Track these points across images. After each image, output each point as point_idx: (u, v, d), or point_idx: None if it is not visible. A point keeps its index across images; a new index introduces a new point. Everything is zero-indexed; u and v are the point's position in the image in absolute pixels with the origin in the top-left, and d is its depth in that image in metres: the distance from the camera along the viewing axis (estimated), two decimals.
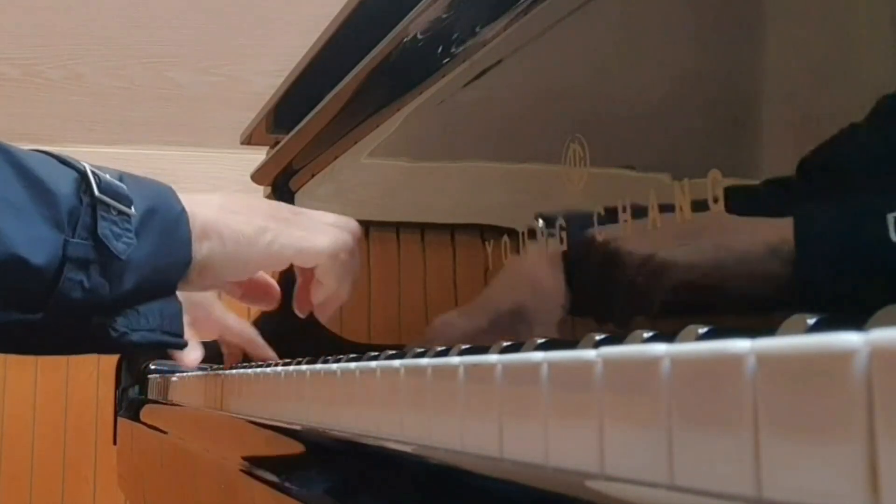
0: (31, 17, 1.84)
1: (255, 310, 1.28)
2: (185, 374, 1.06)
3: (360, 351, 0.74)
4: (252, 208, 0.74)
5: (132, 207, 0.64)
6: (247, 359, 1.08)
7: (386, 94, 0.86)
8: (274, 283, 0.86)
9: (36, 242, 0.59)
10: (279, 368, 0.65)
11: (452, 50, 0.73)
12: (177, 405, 0.99)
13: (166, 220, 0.66)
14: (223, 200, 0.72)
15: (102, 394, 1.72)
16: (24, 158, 0.61)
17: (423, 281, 0.80)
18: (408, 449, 0.39)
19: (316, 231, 0.76)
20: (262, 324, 1.13)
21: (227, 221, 0.71)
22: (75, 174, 0.63)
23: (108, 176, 0.64)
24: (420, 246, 0.81)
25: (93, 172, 0.63)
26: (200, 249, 0.68)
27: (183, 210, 0.68)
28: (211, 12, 1.89)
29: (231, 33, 1.90)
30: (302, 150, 1.11)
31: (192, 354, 0.99)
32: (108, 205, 0.62)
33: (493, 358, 0.33)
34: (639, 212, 0.49)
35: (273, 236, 0.73)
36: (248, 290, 0.84)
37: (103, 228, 0.61)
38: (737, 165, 0.43)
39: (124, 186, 0.65)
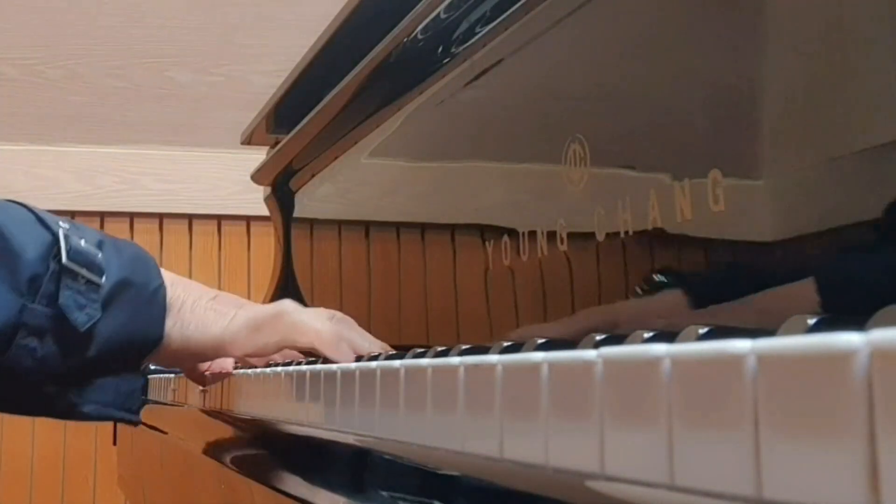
0: (31, 17, 1.84)
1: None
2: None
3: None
4: (223, 299, 0.71)
5: (104, 277, 0.62)
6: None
7: (386, 94, 0.86)
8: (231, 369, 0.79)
9: None
10: (279, 369, 0.65)
11: (452, 50, 0.73)
12: (177, 405, 0.99)
13: (140, 294, 0.64)
14: (199, 286, 0.70)
15: None
16: None
17: (423, 281, 0.80)
18: (408, 449, 0.39)
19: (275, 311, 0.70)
20: None
21: (191, 303, 0.68)
22: (48, 237, 0.61)
23: (83, 242, 0.62)
24: (420, 246, 0.81)
25: (66, 237, 0.61)
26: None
27: (161, 285, 0.65)
28: (211, 12, 1.89)
29: (231, 33, 1.90)
30: (302, 150, 1.11)
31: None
32: (75, 273, 0.60)
33: (493, 358, 0.33)
34: (639, 212, 0.49)
35: (232, 318, 0.69)
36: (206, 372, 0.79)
37: (65, 298, 0.60)
38: (737, 165, 0.43)
39: (99, 254, 0.63)
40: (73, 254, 0.61)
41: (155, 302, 0.65)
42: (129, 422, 0.68)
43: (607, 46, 0.55)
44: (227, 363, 0.77)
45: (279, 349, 0.71)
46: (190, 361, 0.73)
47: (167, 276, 0.68)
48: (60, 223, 0.63)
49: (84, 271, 0.61)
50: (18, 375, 0.60)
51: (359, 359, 0.64)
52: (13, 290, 0.59)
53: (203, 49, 1.90)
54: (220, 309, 0.70)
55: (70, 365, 0.61)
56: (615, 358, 0.26)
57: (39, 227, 0.62)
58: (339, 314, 0.71)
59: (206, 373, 0.76)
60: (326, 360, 0.65)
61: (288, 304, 0.70)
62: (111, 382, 0.65)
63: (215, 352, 0.70)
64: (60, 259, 0.60)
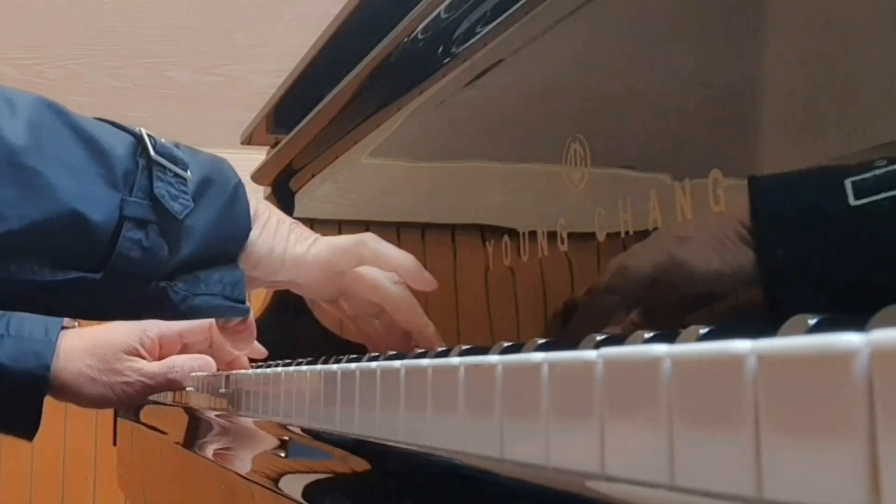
0: (31, 17, 1.84)
1: (260, 306, 1.28)
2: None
3: (360, 351, 0.74)
4: (307, 229, 0.74)
5: (188, 171, 0.64)
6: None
7: (386, 94, 0.86)
8: (254, 330, 0.80)
9: (93, 200, 0.60)
10: (279, 369, 0.65)
11: (452, 50, 0.73)
12: (177, 405, 0.99)
13: (224, 189, 0.66)
14: (280, 212, 0.73)
15: None
16: (80, 120, 0.62)
17: None
18: (408, 449, 0.39)
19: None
20: (263, 324, 1.13)
21: (276, 216, 0.71)
22: (131, 138, 0.63)
23: (163, 140, 0.65)
24: (420, 246, 0.81)
25: (148, 136, 0.64)
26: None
27: (239, 182, 0.68)
28: (211, 12, 1.89)
29: (231, 33, 1.90)
30: (302, 150, 1.11)
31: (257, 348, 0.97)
32: (163, 166, 0.63)
33: (493, 358, 0.33)
34: (639, 212, 0.49)
35: (314, 241, 0.72)
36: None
37: (159, 189, 0.62)
38: (737, 165, 0.43)
39: (180, 152, 0.65)
40: (160, 148, 0.63)
41: (237, 197, 0.67)
42: (239, 311, 0.69)
43: (607, 46, 0.55)
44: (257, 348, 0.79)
45: (356, 281, 0.73)
46: (267, 277, 0.73)
47: (252, 192, 0.70)
48: (136, 127, 0.65)
49: (171, 165, 0.63)
50: (130, 270, 0.61)
51: (359, 359, 0.64)
52: (111, 186, 0.61)
53: (203, 49, 1.90)
54: (303, 232, 0.73)
55: (174, 257, 0.63)
56: (615, 358, 0.26)
57: (119, 130, 0.64)
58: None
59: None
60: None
61: (368, 235, 0.73)
62: (215, 275, 0.66)
63: (295, 269, 0.71)
64: (148, 154, 0.63)
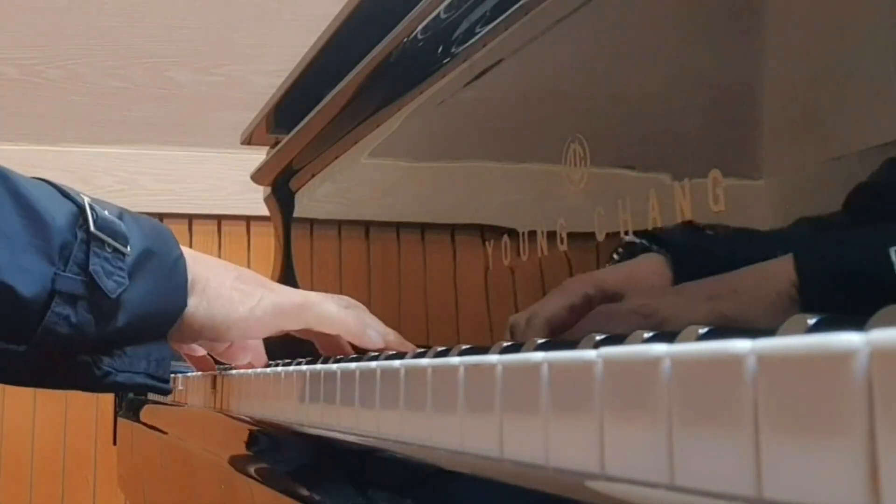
0: (31, 17, 1.84)
1: None
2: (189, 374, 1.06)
3: (360, 351, 0.74)
4: (241, 277, 0.72)
5: (128, 247, 0.63)
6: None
7: (386, 94, 0.86)
8: (248, 351, 0.81)
9: (26, 273, 0.59)
10: (279, 369, 0.65)
11: (452, 50, 0.73)
12: (177, 405, 0.99)
13: (163, 264, 0.65)
14: (213, 261, 0.71)
15: (102, 394, 1.72)
16: (22, 186, 0.60)
17: (423, 281, 0.80)
18: (409, 449, 0.39)
19: (301, 295, 0.74)
20: None
21: (217, 281, 0.70)
22: (73, 208, 0.62)
23: (106, 213, 0.63)
24: (420, 246, 0.81)
25: (91, 207, 0.62)
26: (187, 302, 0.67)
27: (181, 255, 0.67)
28: (211, 12, 1.89)
29: (231, 33, 1.90)
30: (302, 150, 1.11)
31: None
32: (102, 241, 0.62)
33: (493, 358, 0.33)
34: (639, 212, 0.49)
35: (258, 300, 0.70)
36: (234, 350, 0.80)
37: (95, 265, 0.61)
38: (737, 165, 0.43)
39: (123, 225, 0.64)
40: (101, 222, 0.62)
41: (176, 271, 0.66)
42: (161, 390, 0.69)
43: (607, 46, 0.55)
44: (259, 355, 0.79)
45: (302, 335, 0.73)
46: (212, 341, 0.74)
47: (188, 252, 0.69)
48: (81, 195, 0.64)
49: (110, 240, 0.62)
50: (55, 344, 0.61)
51: (359, 359, 0.64)
52: (46, 259, 0.60)
53: (203, 49, 1.90)
54: (246, 289, 0.71)
55: (102, 333, 0.62)
56: (615, 358, 0.26)
57: (63, 198, 0.63)
58: (352, 301, 0.73)
59: (228, 354, 0.78)
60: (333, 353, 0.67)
61: (313, 296, 0.72)
62: (141, 352, 0.66)
63: (240, 332, 0.71)
64: (88, 228, 0.61)
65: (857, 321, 0.23)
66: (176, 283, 0.66)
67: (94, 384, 0.65)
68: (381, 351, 0.70)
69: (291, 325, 0.72)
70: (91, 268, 0.61)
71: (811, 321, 0.25)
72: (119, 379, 0.65)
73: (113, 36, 1.87)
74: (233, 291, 0.70)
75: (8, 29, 1.84)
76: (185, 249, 0.68)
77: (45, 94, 1.82)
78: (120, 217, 0.65)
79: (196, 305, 0.68)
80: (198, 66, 1.90)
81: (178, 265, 0.66)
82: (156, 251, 0.65)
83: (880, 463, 0.18)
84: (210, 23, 1.89)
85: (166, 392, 0.70)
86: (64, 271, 0.60)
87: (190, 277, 0.67)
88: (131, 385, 0.66)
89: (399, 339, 0.72)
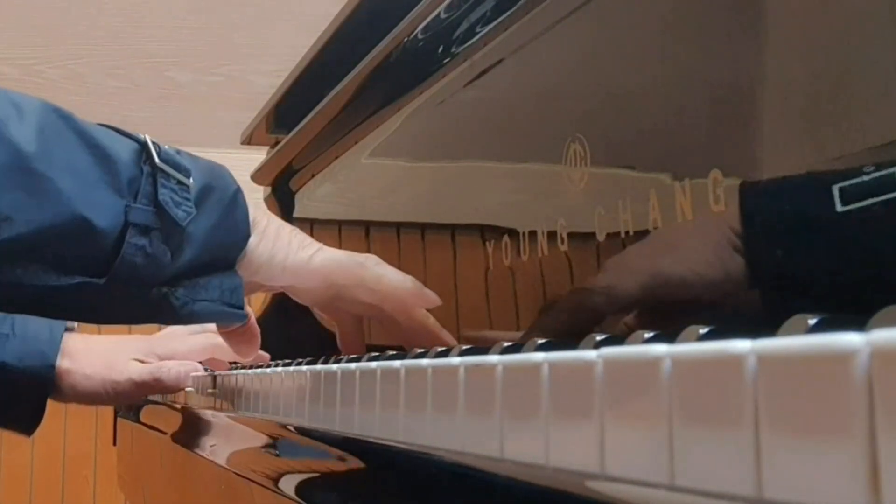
0: (31, 17, 1.84)
1: (260, 306, 1.28)
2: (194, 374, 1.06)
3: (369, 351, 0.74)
4: (296, 230, 0.74)
5: (190, 178, 0.65)
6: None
7: (386, 94, 0.86)
8: (259, 336, 0.81)
9: (99, 206, 0.60)
10: (279, 369, 0.65)
11: (452, 50, 0.73)
12: (177, 405, 0.99)
13: (224, 196, 0.67)
14: (270, 213, 0.74)
15: None
16: (86, 126, 0.63)
17: (423, 281, 0.80)
18: (408, 449, 0.39)
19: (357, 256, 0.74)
20: (265, 323, 1.13)
21: (275, 223, 0.71)
22: (135, 144, 0.64)
23: (167, 147, 0.65)
24: (420, 246, 0.81)
25: (153, 143, 0.64)
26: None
27: (239, 189, 0.68)
28: (211, 12, 1.89)
29: (231, 33, 1.90)
30: (302, 150, 1.11)
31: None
32: (167, 174, 0.63)
33: (493, 358, 0.33)
34: (639, 212, 0.49)
35: (316, 250, 0.72)
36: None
37: (163, 196, 0.63)
38: (737, 165, 0.43)
39: (183, 158, 0.66)
40: (164, 155, 0.64)
41: (237, 204, 0.68)
42: (238, 317, 0.69)
43: (607, 46, 0.55)
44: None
45: (351, 297, 0.73)
46: (267, 283, 0.74)
47: (250, 200, 0.71)
48: (139, 134, 0.66)
49: (174, 172, 0.64)
50: (132, 276, 0.62)
51: (359, 359, 0.64)
52: (117, 193, 0.61)
53: (203, 49, 1.90)
54: (305, 239, 0.73)
55: (175, 263, 0.64)
56: (615, 358, 0.26)
57: (124, 137, 0.65)
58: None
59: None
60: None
61: (371, 258, 0.73)
62: (214, 281, 0.67)
63: (296, 277, 0.72)
64: (153, 161, 0.63)
65: (857, 321, 0.23)
66: (238, 214, 0.68)
67: (172, 315, 0.66)
68: (426, 337, 0.70)
69: (348, 279, 0.71)
70: (160, 199, 0.62)
71: (811, 321, 0.25)
72: (197, 308, 0.66)
73: (113, 36, 1.87)
74: (293, 237, 0.71)
75: (8, 29, 1.83)
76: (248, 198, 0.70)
77: (45, 94, 1.82)
78: (178, 153, 0.66)
79: (256, 244, 0.69)
80: (198, 66, 1.90)
81: (238, 198, 0.68)
82: (216, 185, 0.67)
83: (880, 463, 0.18)
84: (210, 23, 1.89)
85: (243, 318, 0.70)
86: (135, 203, 0.62)
87: (251, 214, 0.69)
88: (209, 313, 0.67)
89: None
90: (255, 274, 0.70)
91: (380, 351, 0.67)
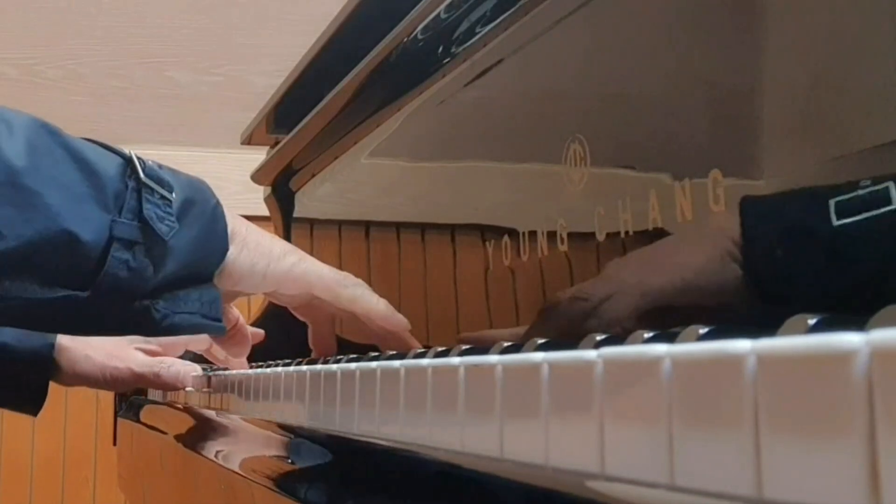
0: (31, 17, 1.84)
1: (260, 306, 1.28)
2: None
3: (361, 351, 0.74)
4: (275, 238, 0.76)
5: (173, 193, 0.66)
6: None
7: (386, 94, 0.86)
8: (249, 337, 0.84)
9: (85, 220, 0.61)
10: (279, 369, 0.65)
11: (452, 50, 0.73)
12: (177, 405, 1.00)
13: (205, 210, 0.68)
14: (249, 223, 0.74)
15: (102, 394, 1.72)
16: (73, 141, 0.64)
17: (423, 281, 0.80)
18: (408, 449, 0.39)
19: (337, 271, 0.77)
20: (265, 324, 1.13)
21: (255, 233, 0.73)
22: (120, 159, 0.65)
23: (150, 162, 0.67)
24: (420, 246, 0.81)
25: (137, 158, 0.66)
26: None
27: (218, 203, 0.70)
28: (211, 12, 1.89)
29: (231, 33, 1.90)
30: (302, 150, 1.11)
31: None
32: (151, 189, 0.65)
33: (493, 358, 0.33)
34: (639, 212, 0.49)
35: (298, 260, 0.74)
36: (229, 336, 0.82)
37: (148, 210, 0.64)
38: (737, 165, 0.43)
39: (165, 173, 0.67)
40: (148, 171, 0.65)
41: (216, 218, 0.69)
42: (216, 329, 0.71)
43: (607, 46, 0.55)
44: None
45: (306, 313, 0.77)
46: (249, 291, 0.76)
47: (228, 212, 0.72)
48: (124, 148, 0.67)
49: (158, 187, 0.65)
50: (115, 289, 0.63)
51: (359, 359, 0.64)
52: (102, 207, 0.63)
53: (203, 49, 1.90)
54: (286, 247, 0.75)
55: (157, 277, 0.65)
56: (615, 358, 0.26)
57: (109, 152, 0.66)
58: (357, 279, 0.76)
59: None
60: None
61: (351, 279, 0.75)
62: (193, 294, 0.69)
63: (277, 284, 0.74)
64: (138, 176, 0.65)
65: (857, 321, 0.23)
66: (218, 228, 0.69)
67: (153, 328, 0.67)
68: (396, 342, 0.73)
69: (325, 294, 0.74)
70: (144, 213, 0.64)
71: (811, 321, 0.25)
72: (177, 321, 0.68)
73: (113, 36, 1.87)
74: (273, 245, 0.73)
75: (8, 29, 1.83)
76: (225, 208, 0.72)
77: (45, 94, 1.82)
78: (160, 167, 0.68)
79: (237, 253, 0.71)
80: (198, 66, 1.90)
81: (218, 212, 0.69)
82: (196, 199, 0.68)
83: (880, 463, 0.18)
84: (210, 23, 1.89)
85: (221, 331, 0.72)
86: (120, 217, 0.63)
87: (230, 226, 0.70)
88: (189, 325, 0.69)
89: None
90: (238, 283, 0.72)
91: (379, 350, 0.67)
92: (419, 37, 0.77)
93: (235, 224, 0.71)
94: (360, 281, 0.75)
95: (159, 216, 0.64)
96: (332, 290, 0.74)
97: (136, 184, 0.64)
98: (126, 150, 0.66)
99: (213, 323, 0.70)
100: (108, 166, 0.64)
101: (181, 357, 1.14)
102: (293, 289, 0.74)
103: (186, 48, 1.89)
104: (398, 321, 0.74)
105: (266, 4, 1.90)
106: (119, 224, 0.62)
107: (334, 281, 0.74)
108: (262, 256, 0.72)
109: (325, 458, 0.48)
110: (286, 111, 1.17)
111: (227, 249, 0.69)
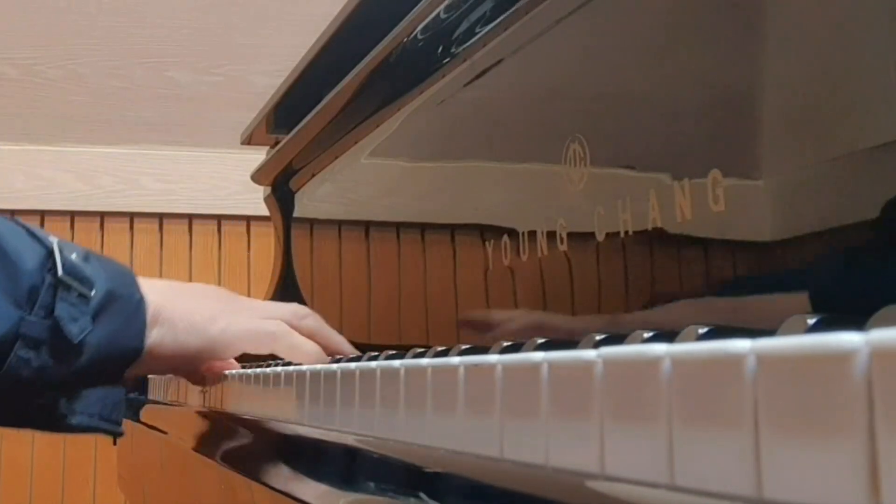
0: (31, 17, 1.84)
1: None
2: None
3: (360, 351, 0.74)
4: (206, 296, 0.74)
5: (93, 290, 0.63)
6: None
7: (386, 94, 0.86)
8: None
9: None
10: (279, 369, 0.65)
11: (452, 50, 0.73)
12: (177, 405, 0.99)
13: (125, 307, 0.66)
14: (177, 287, 0.73)
15: None
16: None
17: (423, 281, 0.80)
18: (409, 449, 0.39)
19: (265, 315, 0.75)
20: None
21: (181, 308, 0.70)
22: (42, 250, 0.62)
23: (73, 256, 0.64)
24: (420, 246, 0.81)
25: (59, 250, 0.63)
26: (150, 335, 0.68)
27: (142, 298, 0.67)
28: (211, 12, 1.89)
29: (231, 33, 1.90)
30: (302, 150, 1.11)
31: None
32: (69, 286, 0.62)
33: (493, 358, 0.33)
34: (639, 212, 0.49)
35: (226, 324, 0.72)
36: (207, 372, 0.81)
37: (61, 310, 0.61)
38: (737, 165, 0.43)
39: (89, 268, 0.64)
40: (68, 267, 0.62)
41: (137, 314, 0.67)
42: (113, 433, 0.70)
43: (607, 46, 0.55)
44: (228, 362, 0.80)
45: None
46: (185, 367, 0.75)
47: (154, 283, 0.70)
48: (50, 237, 0.64)
49: (76, 284, 0.62)
50: (15, 386, 0.61)
51: (359, 359, 0.64)
52: (13, 302, 0.60)
53: (203, 49, 1.90)
54: (215, 312, 0.72)
55: (61, 376, 0.63)
56: (615, 358, 0.26)
57: (33, 240, 0.63)
58: (307, 310, 0.77)
59: (206, 373, 0.78)
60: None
61: (284, 326, 0.74)
62: (97, 394, 0.67)
63: (210, 354, 0.73)
64: (56, 272, 0.61)
65: (857, 321, 0.23)
66: (136, 326, 0.67)
67: (50, 425, 0.66)
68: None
69: (262, 350, 0.74)
70: (56, 313, 0.61)
71: (811, 321, 0.25)
72: (74, 422, 0.66)
73: (113, 36, 1.87)
74: (199, 317, 0.71)
75: (8, 29, 1.84)
76: (150, 281, 0.69)
77: (45, 94, 1.82)
78: (86, 259, 0.65)
79: (163, 336, 0.69)
80: (198, 66, 1.90)
81: (140, 308, 0.67)
82: (119, 294, 0.66)
83: (880, 463, 0.18)
84: (210, 23, 1.89)
85: (118, 434, 0.71)
86: (30, 315, 0.60)
87: (153, 309, 0.68)
88: (86, 428, 0.67)
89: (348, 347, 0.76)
90: (172, 363, 0.71)
91: (379, 351, 0.67)
92: (419, 37, 0.77)
93: (158, 300, 0.69)
94: (291, 330, 0.74)
95: (72, 316, 0.62)
96: (265, 345, 0.73)
97: (53, 279, 0.61)
98: (51, 239, 0.63)
99: (112, 427, 0.69)
100: (29, 259, 0.61)
101: None
102: (230, 353, 0.73)
103: (186, 48, 1.89)
104: (343, 353, 0.73)
105: (266, 4, 1.90)
106: (28, 322, 0.60)
107: (266, 335, 0.73)
108: (189, 333, 0.70)
109: (324, 457, 0.48)
110: (286, 111, 1.17)
111: (141, 349, 0.67)
